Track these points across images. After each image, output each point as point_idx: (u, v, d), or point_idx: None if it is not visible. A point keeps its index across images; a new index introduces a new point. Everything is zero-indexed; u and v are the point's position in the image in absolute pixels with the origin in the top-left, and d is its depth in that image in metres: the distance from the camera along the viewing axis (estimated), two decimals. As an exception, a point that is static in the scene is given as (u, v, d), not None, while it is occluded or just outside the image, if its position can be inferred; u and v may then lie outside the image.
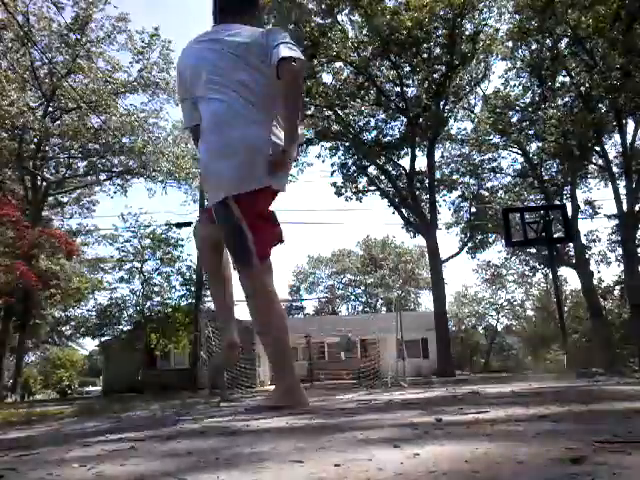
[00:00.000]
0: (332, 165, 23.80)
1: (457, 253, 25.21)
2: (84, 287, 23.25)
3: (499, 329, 49.10)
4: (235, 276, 2.62)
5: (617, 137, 21.69)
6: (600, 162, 22.61)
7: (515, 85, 23.65)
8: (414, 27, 19.22)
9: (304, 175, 24.41)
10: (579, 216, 23.24)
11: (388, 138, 23.17)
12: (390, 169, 23.50)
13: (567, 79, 22.16)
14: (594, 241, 25.00)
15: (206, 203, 2.97)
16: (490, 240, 25.63)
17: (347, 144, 23.21)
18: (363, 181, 24.14)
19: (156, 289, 19.07)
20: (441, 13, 19.76)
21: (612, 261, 25.37)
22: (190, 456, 1.38)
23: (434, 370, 20.83)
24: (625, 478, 0.89)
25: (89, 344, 54.21)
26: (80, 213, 28.33)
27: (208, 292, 18.17)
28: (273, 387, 2.72)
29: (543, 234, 9.50)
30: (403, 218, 23.01)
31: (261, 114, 2.40)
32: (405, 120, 22.03)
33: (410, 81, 22.01)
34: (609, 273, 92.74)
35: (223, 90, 2.37)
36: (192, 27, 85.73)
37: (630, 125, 21.07)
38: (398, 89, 21.85)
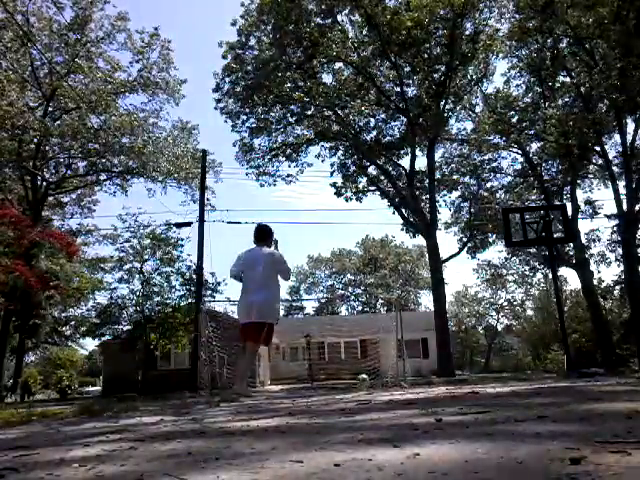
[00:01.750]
0: (332, 165, 23.82)
1: (457, 253, 25.18)
2: (84, 287, 23.22)
3: (499, 329, 49.09)
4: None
5: (617, 137, 21.68)
6: (600, 162, 22.58)
7: (518, 85, 23.67)
8: (414, 27, 19.19)
9: (304, 175, 24.30)
10: (579, 216, 23.23)
11: (388, 138, 23.16)
12: (390, 169, 23.47)
13: (567, 79, 22.14)
14: (594, 241, 24.98)
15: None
16: (490, 240, 25.60)
17: (347, 144, 23.19)
18: (363, 181, 24.14)
19: (156, 289, 18.97)
20: (441, 13, 19.73)
21: (612, 261, 25.33)
22: (190, 456, 1.38)
23: (434, 370, 20.81)
24: (625, 478, 0.89)
25: (89, 344, 54.17)
26: (80, 213, 28.36)
27: (208, 292, 18.20)
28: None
29: (543, 234, 9.48)
30: (403, 218, 22.99)
31: None
32: (405, 120, 22.00)
33: (410, 81, 21.98)
34: (609, 273, 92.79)
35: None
36: (193, 27, 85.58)
37: (630, 125, 21.08)
38: (398, 89, 21.81)
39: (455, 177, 25.53)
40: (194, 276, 17.48)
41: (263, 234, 5.83)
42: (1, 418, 3.82)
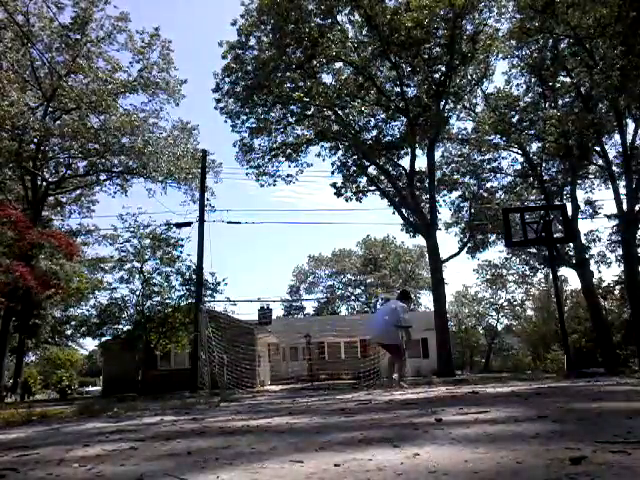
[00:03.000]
0: (332, 164, 23.79)
1: (457, 253, 25.16)
2: (84, 287, 23.20)
3: (499, 329, 49.08)
4: None
5: (617, 137, 21.68)
6: (600, 162, 22.58)
7: (518, 85, 23.64)
8: (414, 27, 19.17)
9: (304, 175, 24.28)
10: (579, 216, 23.20)
11: (388, 138, 23.14)
12: (390, 169, 23.45)
13: (567, 79, 22.13)
14: (594, 241, 24.95)
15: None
16: (490, 240, 25.58)
17: (347, 144, 23.17)
18: (363, 181, 24.11)
19: (156, 289, 18.99)
20: (441, 13, 19.71)
21: (612, 261, 25.31)
22: (190, 456, 1.38)
23: (434, 370, 20.81)
24: (625, 478, 0.89)
25: (89, 344, 54.23)
26: (80, 213, 28.33)
27: (208, 292, 18.20)
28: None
29: (543, 234, 9.48)
30: (403, 218, 22.97)
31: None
32: (405, 120, 21.99)
33: (410, 81, 21.97)
34: (609, 273, 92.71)
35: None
36: (193, 27, 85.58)
37: (630, 125, 21.06)
38: (398, 89, 21.80)
39: (455, 177, 25.51)
40: (194, 276, 17.47)
41: (401, 295, 8.87)
42: (1, 418, 3.82)
